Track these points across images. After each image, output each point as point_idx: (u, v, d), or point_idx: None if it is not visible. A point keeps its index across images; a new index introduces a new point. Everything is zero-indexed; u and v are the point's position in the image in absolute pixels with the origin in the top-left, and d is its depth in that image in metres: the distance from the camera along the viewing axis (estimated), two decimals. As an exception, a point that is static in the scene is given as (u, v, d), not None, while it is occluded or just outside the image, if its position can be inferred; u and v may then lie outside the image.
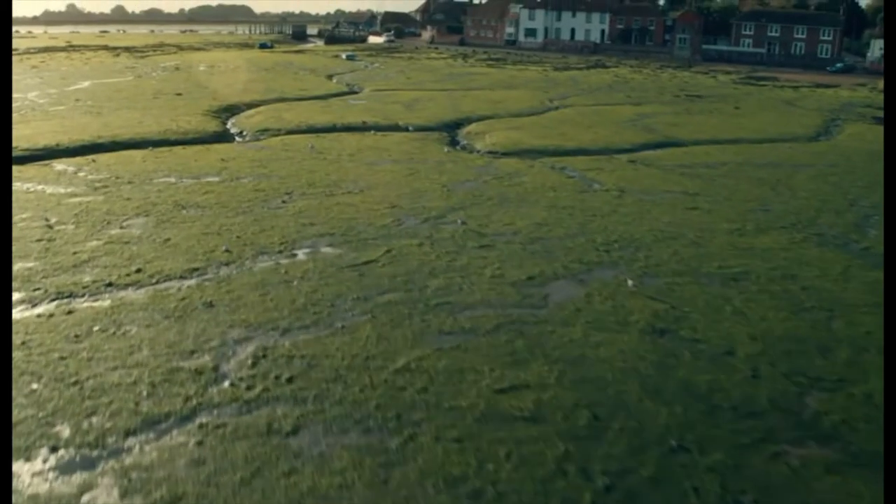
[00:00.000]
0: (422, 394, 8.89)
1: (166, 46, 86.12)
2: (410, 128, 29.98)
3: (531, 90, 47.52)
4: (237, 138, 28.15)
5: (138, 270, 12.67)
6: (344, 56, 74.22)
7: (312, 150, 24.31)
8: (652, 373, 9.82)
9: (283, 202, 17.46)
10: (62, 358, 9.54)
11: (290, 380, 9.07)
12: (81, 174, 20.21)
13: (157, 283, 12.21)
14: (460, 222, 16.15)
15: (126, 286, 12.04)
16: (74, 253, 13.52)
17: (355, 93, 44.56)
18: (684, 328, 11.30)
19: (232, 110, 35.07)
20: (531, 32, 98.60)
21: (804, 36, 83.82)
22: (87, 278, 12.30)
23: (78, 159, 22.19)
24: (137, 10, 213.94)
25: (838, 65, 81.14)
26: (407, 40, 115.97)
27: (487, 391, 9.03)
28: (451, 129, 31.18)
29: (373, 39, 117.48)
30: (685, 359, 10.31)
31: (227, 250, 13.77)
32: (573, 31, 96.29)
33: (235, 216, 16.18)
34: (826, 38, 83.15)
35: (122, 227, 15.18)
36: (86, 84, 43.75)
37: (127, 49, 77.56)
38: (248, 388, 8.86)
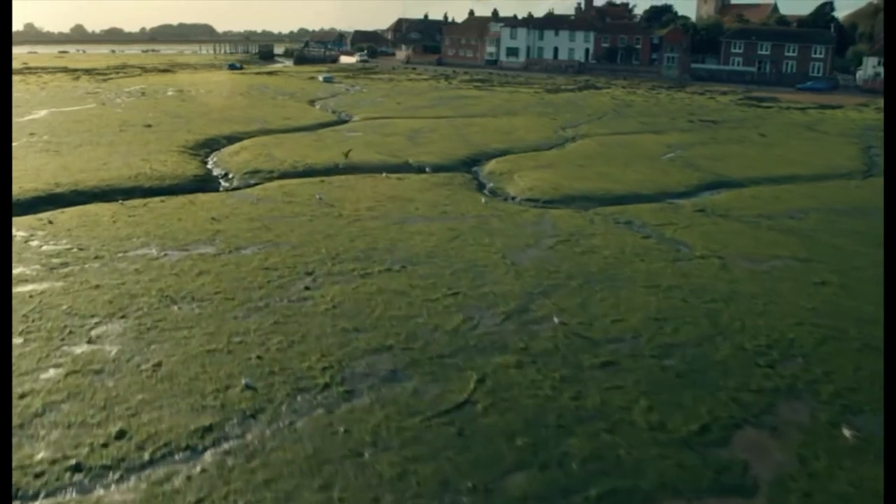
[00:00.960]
0: None
1: (129, 68, 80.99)
2: (427, 168, 25.80)
3: (535, 116, 43.76)
4: (223, 183, 23.77)
5: (121, 435, 8.30)
6: (321, 78, 69.96)
7: (322, 202, 20.04)
8: None
9: (307, 288, 13.15)
10: None
11: None
12: (34, 243, 15.70)
13: (151, 463, 7.85)
14: (557, 321, 11.99)
15: (103, 472, 7.66)
16: (21, 397, 9.09)
17: (345, 121, 40.35)
18: (983, 528, 7.24)
19: (211, 145, 30.64)
20: (513, 52, 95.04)
21: (795, 54, 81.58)
22: (41, 454, 7.92)
23: (30, 219, 17.67)
24: (97, 30, 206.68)
25: (808, 83, 78.69)
26: (381, 60, 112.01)
27: None
28: (469, 168, 27.17)
29: (345, 59, 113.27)
30: None
31: (248, 386, 9.44)
32: (556, 50, 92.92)
33: (247, 316, 11.84)
34: (818, 55, 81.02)
35: (90, 342, 10.75)
36: (42, 113, 38.85)
37: (87, 71, 72.32)
38: None
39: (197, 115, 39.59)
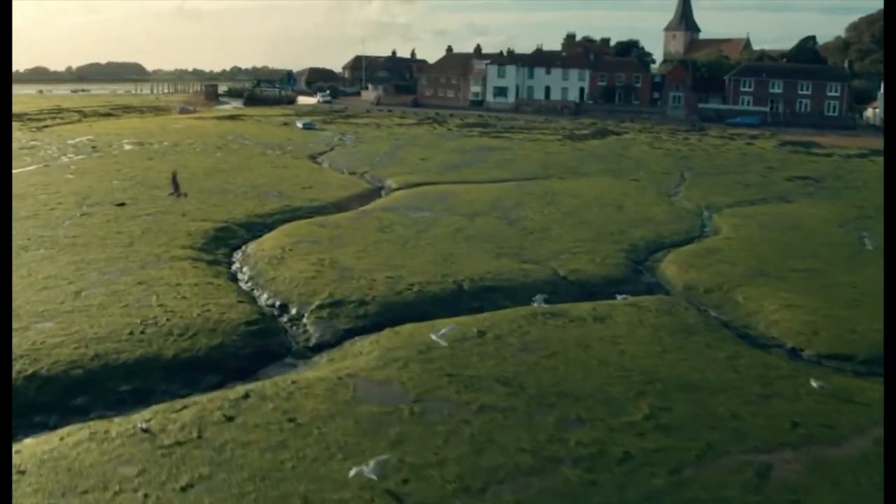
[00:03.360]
0: None
1: (66, 112, 69.45)
2: (620, 295, 16.35)
3: (612, 178, 35.03)
4: (295, 332, 14.12)
5: None
6: (299, 125, 59.96)
7: (538, 411, 10.50)
8: None
9: None
10: None
11: None
12: None
13: None
14: None
15: None
16: None
17: (380, 189, 30.88)
18: None
19: (227, 241, 20.96)
20: (501, 91, 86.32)
21: (809, 92, 75.49)
22: None
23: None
24: (21, 69, 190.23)
25: (738, 118, 73.37)
26: (346, 101, 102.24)
27: None
28: (638, 274, 18.24)
29: (304, 100, 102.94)
30: None
31: None
32: (548, 89, 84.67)
33: None
34: (833, 93, 75.05)
35: None
36: (-37, 186, 27.98)
37: (18, 116, 60.52)
38: None
39: (182, 183, 29.37)
